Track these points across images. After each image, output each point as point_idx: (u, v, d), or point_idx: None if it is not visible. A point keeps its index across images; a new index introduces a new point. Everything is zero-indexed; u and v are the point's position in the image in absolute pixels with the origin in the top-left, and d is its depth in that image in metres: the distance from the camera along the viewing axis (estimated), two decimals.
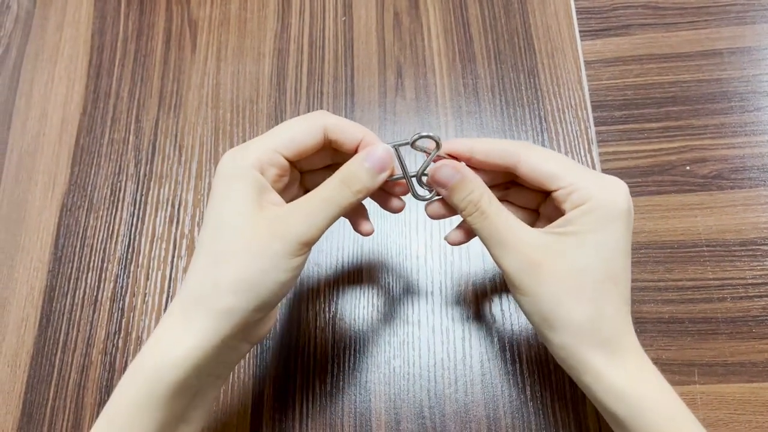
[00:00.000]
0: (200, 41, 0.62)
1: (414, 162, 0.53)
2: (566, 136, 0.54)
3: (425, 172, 0.38)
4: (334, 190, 0.35)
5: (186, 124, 0.59)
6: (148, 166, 0.57)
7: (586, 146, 0.53)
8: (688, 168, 0.52)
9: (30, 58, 0.64)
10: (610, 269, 0.34)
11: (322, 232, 0.35)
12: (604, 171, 0.52)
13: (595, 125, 0.54)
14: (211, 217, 0.35)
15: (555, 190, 0.35)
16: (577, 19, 0.58)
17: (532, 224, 0.40)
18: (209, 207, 0.35)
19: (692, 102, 0.54)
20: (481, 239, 0.36)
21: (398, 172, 0.38)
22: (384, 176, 0.36)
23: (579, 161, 0.52)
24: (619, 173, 0.52)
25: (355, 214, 0.41)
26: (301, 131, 0.36)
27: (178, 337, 0.33)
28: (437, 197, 0.39)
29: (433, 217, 0.40)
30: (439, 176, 0.37)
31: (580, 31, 0.58)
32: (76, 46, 0.64)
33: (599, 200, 0.34)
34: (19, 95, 0.63)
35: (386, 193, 0.40)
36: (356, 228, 0.41)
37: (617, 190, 0.35)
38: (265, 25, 0.62)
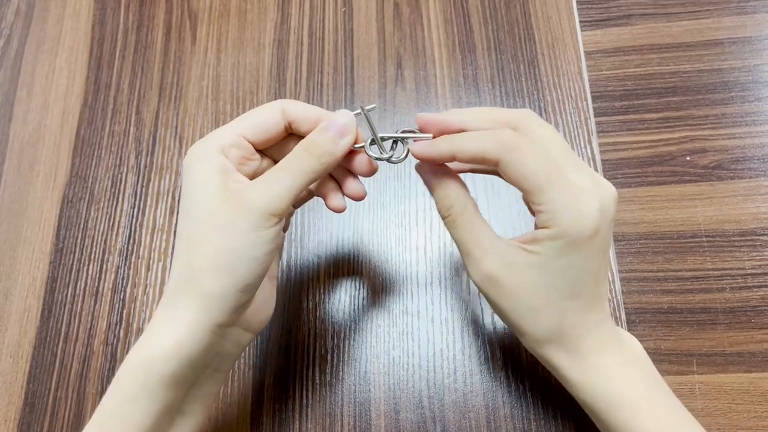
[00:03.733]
0: (200, 32, 0.62)
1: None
2: (566, 127, 0.53)
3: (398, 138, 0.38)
4: (294, 159, 0.35)
5: (186, 115, 0.59)
6: (149, 157, 0.57)
7: (586, 137, 0.53)
8: (688, 158, 0.52)
9: (31, 49, 0.64)
10: (574, 288, 0.34)
11: (287, 202, 0.34)
12: (604, 161, 0.52)
13: (595, 116, 0.54)
14: (182, 205, 0.35)
15: (529, 201, 0.34)
16: (578, 9, 0.58)
17: None
18: (181, 197, 0.35)
19: (693, 92, 0.54)
20: (454, 241, 0.38)
21: (364, 136, 0.38)
22: (347, 141, 0.36)
23: (579, 152, 0.52)
24: (619, 164, 0.52)
25: (326, 188, 0.40)
26: (260, 113, 0.37)
27: (166, 327, 0.33)
28: (403, 158, 0.38)
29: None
30: (423, 172, 0.38)
31: (580, 22, 0.58)
32: (77, 37, 0.64)
33: (563, 229, 0.32)
34: (20, 87, 0.63)
35: (349, 173, 0.39)
36: (327, 203, 0.40)
37: (586, 216, 0.32)
38: (265, 16, 0.62)
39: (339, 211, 0.40)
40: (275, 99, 0.57)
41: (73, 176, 0.58)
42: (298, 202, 0.43)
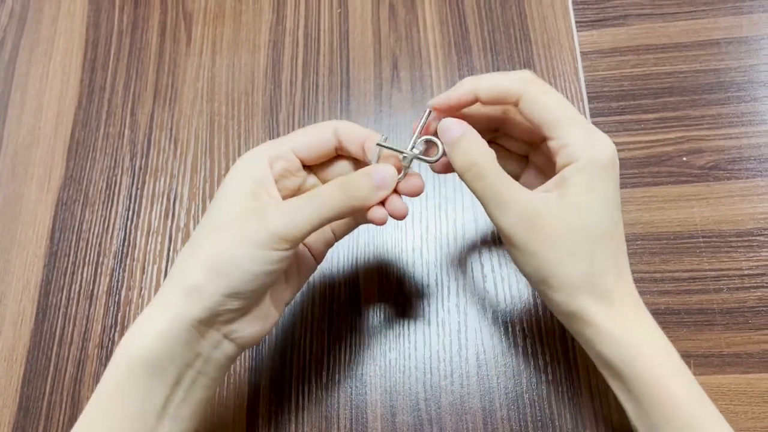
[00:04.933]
0: (195, 34, 0.62)
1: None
2: None
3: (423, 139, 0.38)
4: (326, 191, 0.35)
5: (181, 117, 0.58)
6: (144, 159, 0.57)
7: None
8: (684, 159, 0.51)
9: (25, 51, 0.64)
10: (606, 226, 0.35)
11: (304, 232, 0.34)
12: None
13: (592, 116, 0.54)
14: (212, 200, 0.36)
15: (548, 138, 0.35)
16: (574, 9, 0.58)
17: (521, 171, 0.41)
18: (216, 191, 0.37)
19: (689, 92, 0.54)
20: (479, 199, 0.36)
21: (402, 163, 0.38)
22: (382, 194, 0.36)
23: None
24: None
25: None
26: (312, 130, 0.38)
27: (149, 314, 0.34)
28: (440, 156, 0.38)
29: (439, 172, 0.40)
30: (442, 129, 0.36)
31: (576, 22, 0.58)
32: (71, 39, 0.64)
33: (590, 158, 0.34)
34: (14, 89, 0.62)
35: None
36: (367, 215, 0.37)
37: (606, 146, 0.35)
38: (260, 18, 0.62)
39: (380, 222, 0.37)
40: (271, 100, 0.58)
41: (68, 179, 0.57)
42: (341, 233, 0.42)
